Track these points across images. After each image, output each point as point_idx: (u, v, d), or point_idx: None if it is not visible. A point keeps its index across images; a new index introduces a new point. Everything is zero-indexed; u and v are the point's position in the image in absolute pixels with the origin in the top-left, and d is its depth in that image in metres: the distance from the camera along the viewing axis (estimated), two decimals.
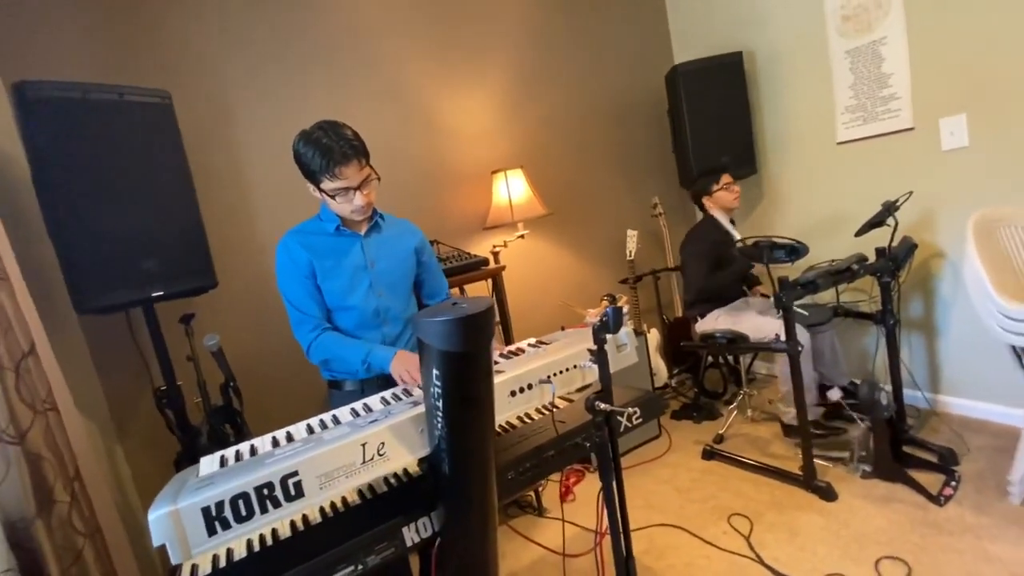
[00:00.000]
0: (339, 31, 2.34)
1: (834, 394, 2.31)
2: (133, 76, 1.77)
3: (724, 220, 2.62)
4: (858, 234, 2.17)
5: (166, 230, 1.64)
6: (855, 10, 2.41)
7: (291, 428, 1.17)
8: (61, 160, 1.46)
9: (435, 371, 0.91)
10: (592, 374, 1.26)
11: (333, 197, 1.38)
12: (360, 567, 0.99)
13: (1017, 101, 2.03)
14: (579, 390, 1.34)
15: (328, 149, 1.31)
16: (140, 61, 1.92)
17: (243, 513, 0.87)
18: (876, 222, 2.13)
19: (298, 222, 1.53)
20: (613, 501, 1.15)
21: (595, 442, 1.13)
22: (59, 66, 1.75)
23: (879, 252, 2.14)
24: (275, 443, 1.10)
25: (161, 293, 1.61)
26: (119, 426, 1.84)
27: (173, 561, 0.82)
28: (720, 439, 2.54)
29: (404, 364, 1.33)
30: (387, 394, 1.27)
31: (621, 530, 1.17)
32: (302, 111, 2.21)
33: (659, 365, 2.91)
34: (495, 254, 2.57)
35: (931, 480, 1.94)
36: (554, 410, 1.34)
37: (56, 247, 1.50)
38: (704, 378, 2.98)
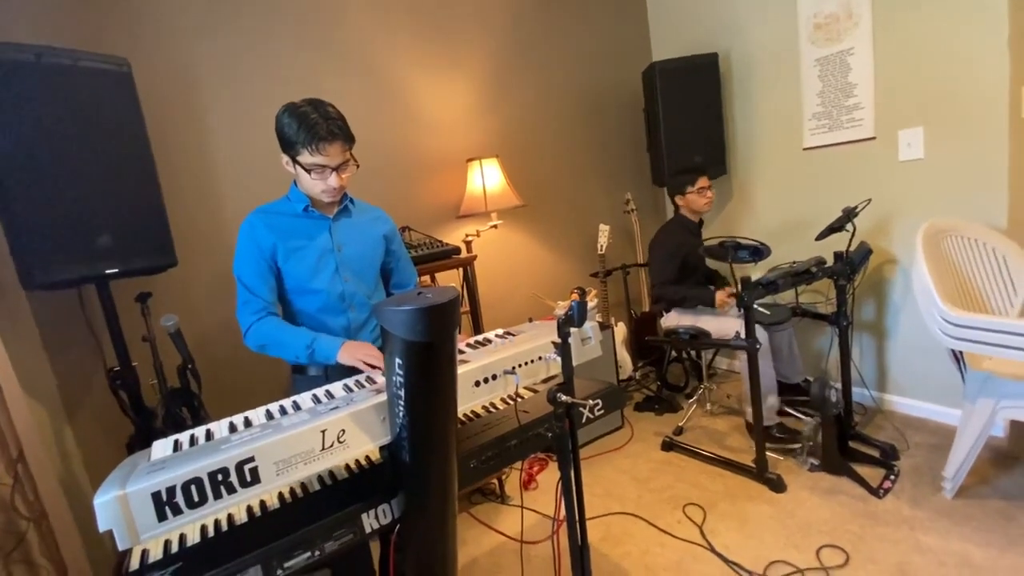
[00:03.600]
0: (314, 5, 2.27)
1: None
2: (90, 41, 1.68)
3: (692, 221, 2.67)
4: (819, 238, 2.25)
5: (123, 204, 1.57)
6: (827, 19, 2.47)
7: (249, 413, 1.15)
8: (10, 126, 1.38)
9: (398, 360, 0.91)
10: (556, 366, 1.28)
11: (308, 172, 1.35)
12: (318, 553, 0.99)
13: (970, 119, 2.13)
14: (544, 381, 1.36)
15: (315, 124, 1.31)
16: (98, 26, 1.82)
17: (195, 499, 0.85)
18: (836, 227, 2.21)
19: (264, 201, 1.49)
20: (571, 492, 1.18)
21: (555, 433, 1.15)
22: (9, 26, 1.65)
23: (837, 256, 2.23)
24: (232, 428, 1.08)
25: (116, 270, 1.55)
26: (69, 407, 1.77)
27: (120, 547, 0.80)
28: (680, 431, 2.62)
29: (356, 353, 1.32)
30: (350, 381, 1.26)
31: (577, 520, 1.20)
32: (271, 86, 2.15)
33: (624, 358, 2.97)
34: (468, 243, 2.56)
35: (873, 474, 2.06)
36: (518, 400, 1.36)
37: (2, 218, 1.43)
38: (667, 372, 3.06)
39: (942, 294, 1.76)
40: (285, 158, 1.38)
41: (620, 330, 2.96)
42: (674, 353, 3.08)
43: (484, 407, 1.38)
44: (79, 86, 1.50)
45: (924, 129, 2.26)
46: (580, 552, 1.19)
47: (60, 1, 1.76)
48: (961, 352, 1.88)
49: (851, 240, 2.22)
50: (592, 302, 2.66)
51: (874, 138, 2.43)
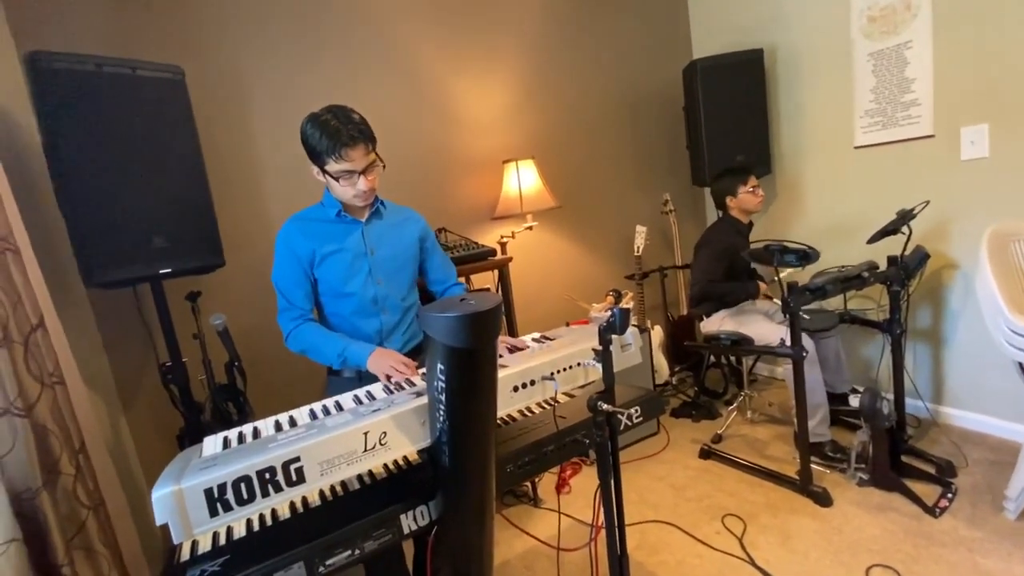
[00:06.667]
0: (355, 11, 2.31)
1: (855, 400, 2.24)
2: (146, 50, 1.76)
3: (743, 222, 2.59)
4: (871, 241, 2.14)
5: (176, 207, 1.64)
6: (882, 11, 2.35)
7: (294, 412, 1.17)
8: (73, 133, 1.46)
9: (439, 365, 0.92)
10: (595, 372, 1.26)
11: (337, 180, 1.38)
12: (358, 552, 1.00)
13: None
14: (581, 387, 1.35)
15: (336, 131, 1.32)
16: (154, 35, 1.90)
17: (244, 496, 0.88)
18: (890, 230, 2.10)
19: (307, 204, 1.53)
20: (610, 500, 1.16)
21: (595, 441, 1.14)
22: (73, 38, 1.74)
23: (891, 260, 2.12)
24: (278, 427, 1.11)
25: (169, 270, 1.61)
26: (124, 399, 1.86)
27: (175, 540, 0.84)
28: (718, 439, 2.55)
29: (385, 361, 1.33)
30: (391, 383, 1.28)
31: (617, 528, 1.18)
32: (314, 90, 2.20)
33: (661, 362, 2.92)
34: (503, 245, 2.56)
35: (927, 491, 1.95)
36: (555, 405, 1.35)
37: (66, 220, 1.51)
38: (705, 377, 2.98)
39: (1009, 302, 1.65)
40: (315, 169, 1.41)
41: (657, 334, 2.91)
42: (713, 358, 3.00)
43: (520, 411, 1.37)
44: (137, 94, 1.57)
45: (989, 126, 2.12)
46: (619, 562, 1.17)
47: (119, 13, 1.84)
48: None
49: (907, 244, 2.11)
50: (628, 305, 2.62)
51: (933, 136, 2.30)
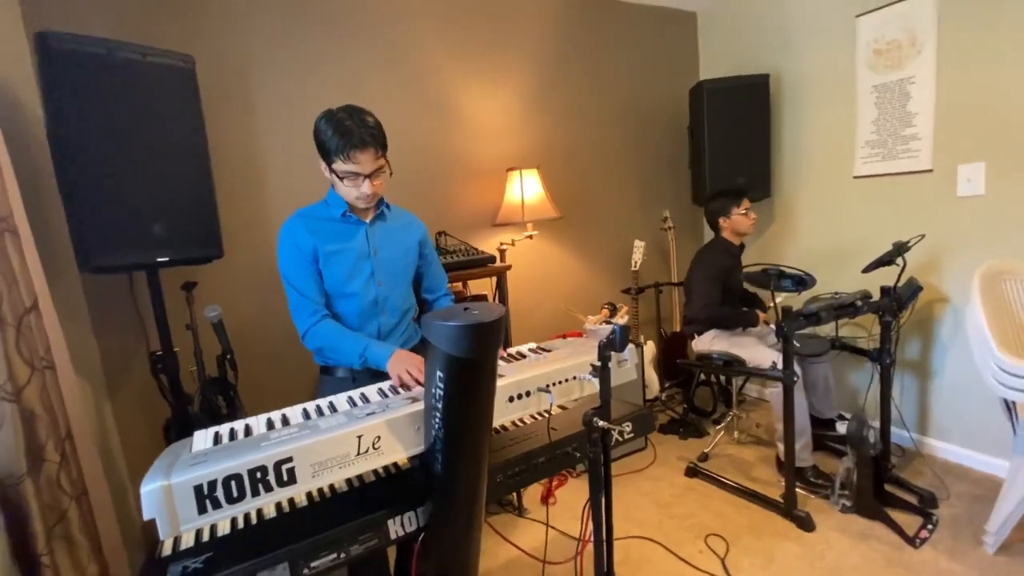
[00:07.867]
0: (365, 11, 2.32)
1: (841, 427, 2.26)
2: (156, 37, 1.75)
3: (735, 244, 2.62)
4: (865, 271, 2.17)
5: (178, 196, 1.62)
6: (888, 46, 2.39)
7: (287, 411, 1.16)
8: (79, 115, 1.44)
9: (439, 372, 0.91)
10: (590, 386, 1.27)
11: (342, 179, 1.38)
12: (343, 555, 1.00)
13: None
14: (575, 400, 1.35)
15: (348, 132, 1.32)
16: (164, 22, 1.89)
17: (234, 494, 0.87)
18: (885, 261, 2.13)
19: (309, 200, 1.52)
20: (600, 516, 1.16)
21: (589, 457, 1.14)
22: (83, 19, 1.73)
23: (884, 291, 2.15)
24: (270, 425, 1.10)
25: (167, 259, 1.60)
26: (111, 386, 1.84)
27: (161, 536, 0.83)
28: (705, 457, 2.55)
29: (403, 364, 1.31)
30: (385, 386, 1.27)
31: (605, 545, 1.18)
32: (322, 89, 2.20)
33: (652, 377, 2.92)
34: (502, 252, 2.56)
35: (909, 521, 1.97)
36: (548, 417, 1.35)
37: (66, 203, 1.49)
38: (694, 395, 2.99)
39: (998, 340, 1.68)
40: (323, 165, 1.41)
41: (649, 349, 2.92)
42: (703, 376, 3.01)
43: (513, 421, 1.37)
44: (146, 80, 1.55)
45: (986, 165, 2.16)
46: None
47: None
48: (1014, 402, 1.78)
49: (900, 275, 2.14)
50: (623, 319, 2.63)
51: (931, 171, 2.34)
